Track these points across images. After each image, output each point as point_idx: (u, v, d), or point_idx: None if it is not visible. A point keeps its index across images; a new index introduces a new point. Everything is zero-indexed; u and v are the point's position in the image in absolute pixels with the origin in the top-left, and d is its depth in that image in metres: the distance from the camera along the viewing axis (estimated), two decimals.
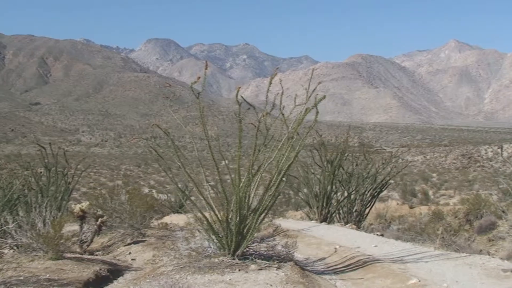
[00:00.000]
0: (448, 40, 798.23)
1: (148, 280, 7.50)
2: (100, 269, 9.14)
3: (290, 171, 16.12)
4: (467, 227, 20.06)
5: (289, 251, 8.85)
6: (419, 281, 7.73)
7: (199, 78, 8.31)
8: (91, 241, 12.04)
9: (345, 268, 9.19)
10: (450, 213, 21.84)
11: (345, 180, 19.05)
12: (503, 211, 18.14)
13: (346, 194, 18.94)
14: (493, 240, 18.15)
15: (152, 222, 14.31)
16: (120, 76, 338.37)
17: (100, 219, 11.93)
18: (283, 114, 8.54)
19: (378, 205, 24.20)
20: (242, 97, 8.32)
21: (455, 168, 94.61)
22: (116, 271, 9.53)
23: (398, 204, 35.79)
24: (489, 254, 13.04)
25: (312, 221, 18.61)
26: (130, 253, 11.49)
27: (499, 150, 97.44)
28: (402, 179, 62.92)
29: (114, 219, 13.29)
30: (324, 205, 18.58)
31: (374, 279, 8.25)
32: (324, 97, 8.40)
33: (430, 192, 54.24)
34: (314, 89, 8.53)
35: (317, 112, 8.58)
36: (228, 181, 8.46)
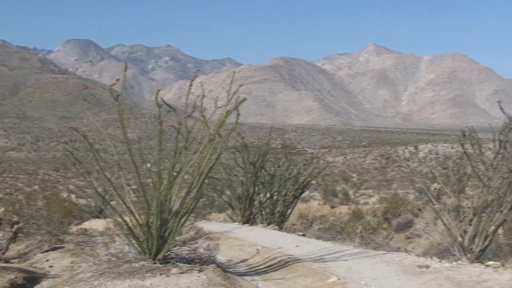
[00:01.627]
0: (367, 44, 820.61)
1: (66, 287, 7.30)
2: (16, 277, 8.81)
3: (214, 173, 16.04)
4: (386, 226, 20.66)
5: (211, 254, 8.84)
6: (339, 279, 7.90)
7: (118, 80, 8.17)
8: (7, 248, 11.60)
9: (267, 269, 9.26)
10: (369, 212, 22.43)
11: (268, 181, 19.18)
12: (419, 210, 18.78)
13: (268, 195, 19.06)
14: (410, 238, 18.77)
15: (71, 228, 13.96)
16: (37, 78, 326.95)
17: (16, 226, 11.53)
18: (204, 117, 8.54)
19: (300, 206, 24.51)
20: (162, 99, 8.25)
21: (374, 168, 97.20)
22: (32, 279, 9.21)
23: (319, 204, 36.31)
24: (406, 251, 13.47)
25: (235, 223, 18.62)
26: (47, 260, 11.12)
27: (415, 150, 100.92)
28: (324, 180, 64.03)
29: (31, 226, 12.87)
30: (247, 206, 18.63)
31: (295, 279, 8.36)
32: (245, 99, 8.45)
33: (351, 192, 55.49)
34: (236, 92, 8.57)
35: (238, 114, 8.62)
36: (151, 184, 8.36)
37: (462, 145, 10.63)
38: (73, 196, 47.44)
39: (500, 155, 10.45)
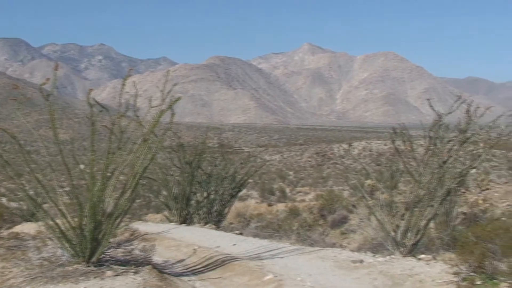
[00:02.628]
0: (302, 43, 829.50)
1: None
2: None
3: (150, 173, 15.84)
4: (322, 222, 20.97)
5: (147, 255, 8.74)
6: (275, 276, 7.96)
7: (48, 79, 7.96)
8: None
9: (204, 269, 9.23)
10: (306, 209, 22.72)
11: (205, 181, 19.10)
12: (354, 206, 19.16)
13: (205, 194, 18.99)
14: (345, 233, 19.13)
15: (1, 232, 13.50)
16: None
17: None
18: (137, 116, 8.43)
19: (238, 204, 24.53)
20: (94, 99, 8.09)
21: (310, 166, 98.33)
22: None
23: (257, 202, 36.50)
24: (341, 247, 13.71)
25: (172, 223, 18.46)
26: None
27: (350, 148, 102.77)
28: (261, 178, 64.28)
29: None
30: (184, 206, 18.49)
31: (232, 277, 8.37)
32: (179, 98, 8.40)
33: (287, 190, 55.85)
34: (170, 91, 8.50)
35: (173, 113, 8.56)
36: (85, 186, 8.18)
37: (393, 142, 10.91)
38: (4, 200, 45.85)
39: (430, 151, 10.78)
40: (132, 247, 9.02)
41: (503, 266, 7.33)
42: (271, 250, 10.41)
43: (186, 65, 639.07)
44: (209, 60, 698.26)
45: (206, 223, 18.03)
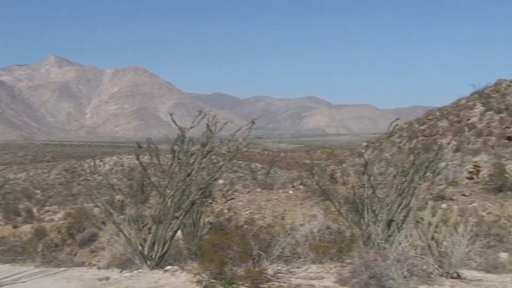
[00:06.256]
0: (48, 55, 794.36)
1: None
2: None
3: None
4: (70, 241, 20.25)
5: None
6: None
7: None
8: None
9: None
10: (54, 229, 21.76)
11: None
12: (103, 223, 18.87)
13: None
14: (95, 251, 18.71)
15: None
16: None
17: None
18: None
19: None
20: None
21: (59, 183, 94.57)
22: None
23: (0, 225, 34.11)
24: (90, 266, 13.40)
25: None
26: None
27: (101, 163, 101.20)
28: (4, 198, 60.11)
29: None
30: None
31: None
32: None
33: (35, 210, 53.12)
34: None
35: None
36: None
37: (138, 157, 11.00)
38: None
39: (175, 164, 11.10)
40: None
41: (241, 271, 7.83)
42: (12, 275, 9.80)
43: None
44: None
45: None
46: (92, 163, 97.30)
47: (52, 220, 37.51)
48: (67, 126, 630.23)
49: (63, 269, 10.23)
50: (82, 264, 13.70)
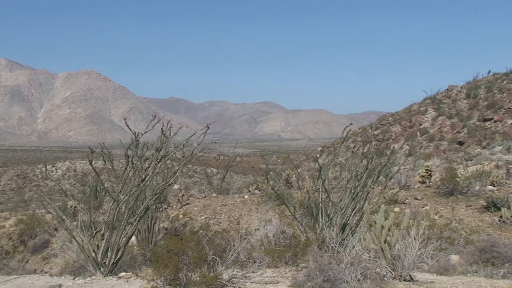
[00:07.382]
0: None
1: None
2: None
3: None
4: (22, 248, 19.84)
5: None
6: None
7: None
8: None
9: None
10: (4, 236, 21.30)
11: None
12: (55, 229, 18.54)
13: None
14: (47, 258, 18.37)
15: None
16: None
17: None
18: None
19: None
20: None
21: (11, 189, 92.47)
22: None
23: None
24: (42, 273, 13.13)
25: None
26: None
27: (53, 169, 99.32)
28: None
29: None
30: None
31: None
32: None
33: None
34: None
35: None
36: None
37: (91, 162, 10.84)
38: None
39: (128, 169, 10.98)
40: None
41: (196, 277, 7.79)
42: None
43: None
44: None
45: None
46: (44, 169, 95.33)
47: (3, 226, 36.52)
48: (18, 131, 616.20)
49: (14, 276, 9.98)
50: (34, 272, 13.44)
